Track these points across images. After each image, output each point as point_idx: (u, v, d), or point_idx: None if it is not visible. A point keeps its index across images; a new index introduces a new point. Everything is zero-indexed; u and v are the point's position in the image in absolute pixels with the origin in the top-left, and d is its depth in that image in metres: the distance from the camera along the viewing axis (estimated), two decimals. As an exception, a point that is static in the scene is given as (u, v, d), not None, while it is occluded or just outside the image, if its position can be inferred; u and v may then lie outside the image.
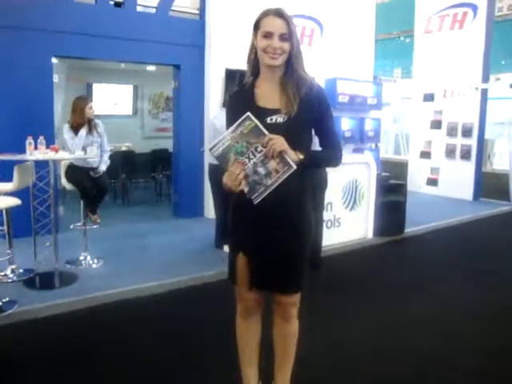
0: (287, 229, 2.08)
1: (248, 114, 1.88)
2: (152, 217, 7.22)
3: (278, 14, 1.99)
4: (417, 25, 10.37)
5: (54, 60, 8.13)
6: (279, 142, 1.88)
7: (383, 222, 6.06)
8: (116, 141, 8.92)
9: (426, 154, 10.20)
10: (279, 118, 2.01)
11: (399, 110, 14.42)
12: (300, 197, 2.11)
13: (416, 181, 10.18)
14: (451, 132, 9.56)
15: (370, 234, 6.06)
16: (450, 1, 9.52)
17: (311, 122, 2.07)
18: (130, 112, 10.75)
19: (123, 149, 8.80)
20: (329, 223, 5.58)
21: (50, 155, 4.06)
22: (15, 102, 5.61)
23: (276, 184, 1.90)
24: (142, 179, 9.02)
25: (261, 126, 1.88)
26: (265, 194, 1.91)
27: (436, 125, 9.88)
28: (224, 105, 5.11)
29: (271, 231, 2.07)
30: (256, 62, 2.09)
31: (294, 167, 1.89)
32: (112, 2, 6.44)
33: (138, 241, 5.79)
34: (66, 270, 4.62)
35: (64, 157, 4.31)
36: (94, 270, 4.78)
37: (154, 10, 6.65)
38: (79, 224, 4.94)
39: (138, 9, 6.59)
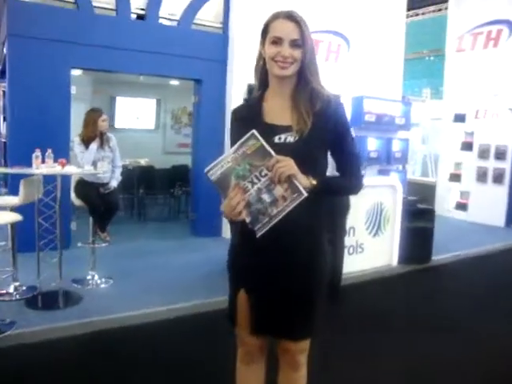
0: (297, 263, 1.79)
1: (253, 131, 1.62)
2: (168, 234, 7.01)
3: (289, 16, 1.74)
4: (448, 43, 10.04)
5: (79, 72, 8.13)
6: (288, 165, 1.61)
7: (409, 249, 5.71)
8: (136, 155, 8.82)
9: (455, 177, 9.78)
10: (289, 137, 1.75)
11: (428, 130, 14.03)
12: (313, 226, 1.82)
13: (444, 204, 9.76)
14: (483, 154, 9.14)
15: (394, 262, 5.71)
16: (484, 18, 9.17)
17: (327, 142, 1.79)
18: (152, 126, 10.63)
19: (142, 163, 8.62)
20: (351, 249, 5.26)
21: (55, 169, 3.88)
22: (31, 113, 5.50)
23: (283, 214, 1.62)
24: (161, 195, 8.81)
25: (267, 146, 1.61)
26: (270, 226, 1.63)
27: (467, 146, 9.48)
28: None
29: (278, 265, 1.79)
30: (264, 73, 1.84)
31: (305, 194, 1.61)
32: (134, 15, 6.32)
33: (151, 260, 5.57)
34: (71, 289, 4.42)
35: (71, 171, 4.11)
36: (101, 290, 4.56)
37: (176, 23, 6.51)
38: (88, 241, 4.73)
39: (161, 22, 6.46)
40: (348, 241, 5.07)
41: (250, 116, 1.83)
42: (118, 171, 4.87)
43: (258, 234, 1.65)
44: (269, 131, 1.73)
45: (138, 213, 8.18)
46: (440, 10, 15.35)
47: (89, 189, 4.62)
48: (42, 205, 4.20)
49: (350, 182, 1.86)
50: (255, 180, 1.63)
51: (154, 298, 4.29)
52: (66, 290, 4.29)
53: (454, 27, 9.92)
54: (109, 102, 9.87)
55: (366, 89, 7.60)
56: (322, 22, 6.97)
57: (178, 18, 6.46)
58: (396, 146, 8.08)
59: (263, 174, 1.62)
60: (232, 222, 1.72)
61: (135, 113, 10.32)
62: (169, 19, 6.50)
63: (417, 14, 17.23)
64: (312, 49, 1.78)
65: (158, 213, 8.62)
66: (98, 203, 4.61)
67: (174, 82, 9.63)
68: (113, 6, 6.05)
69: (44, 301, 4.13)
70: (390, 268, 5.67)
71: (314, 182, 1.68)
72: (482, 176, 9.17)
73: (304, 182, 1.64)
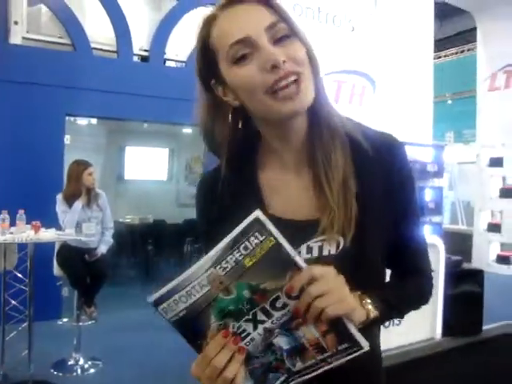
0: None
1: (257, 214, 0.76)
2: (175, 300, 6.20)
3: None
4: (479, 83, 9.36)
5: (94, 121, 7.65)
6: (335, 294, 0.78)
7: (455, 319, 4.80)
8: (147, 208, 8.21)
9: (494, 227, 8.87)
10: (327, 245, 0.91)
11: (455, 175, 13.36)
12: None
13: (483, 258, 8.82)
14: (527, 202, 8.28)
15: (438, 335, 4.79)
16: (519, 53, 8.52)
17: (387, 225, 0.96)
18: (164, 177, 10.03)
19: (149, 220, 7.96)
20: (386, 322, 4.40)
21: (22, 236, 3.17)
22: (20, 165, 4.90)
23: (316, 372, 0.81)
24: (171, 254, 8.02)
25: (288, 247, 0.77)
26: None
27: (507, 193, 8.61)
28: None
29: None
30: (239, 131, 1.00)
31: (365, 348, 0.80)
32: (139, 57, 5.82)
33: (152, 335, 4.69)
34: (48, 377, 3.62)
35: (45, 237, 3.37)
36: (86, 378, 3.78)
37: (183, 65, 5.97)
38: (72, 317, 4.00)
39: (166, 63, 5.94)
40: (383, 312, 4.23)
41: (236, 201, 0.96)
42: (109, 234, 4.15)
43: None
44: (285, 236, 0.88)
45: (144, 274, 7.42)
46: (463, 51, 14.86)
47: (72, 256, 3.88)
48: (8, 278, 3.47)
49: (419, 288, 1.05)
50: (262, 317, 0.79)
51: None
52: (39, 379, 3.48)
53: (484, 66, 9.26)
54: (118, 152, 9.36)
55: (393, 133, 6.89)
56: (345, 62, 6.34)
57: (185, 59, 5.91)
58: (429, 196, 7.30)
59: (279, 305, 0.78)
60: None
61: (146, 163, 9.76)
62: (175, 60, 5.96)
63: (439, 57, 16.79)
64: (310, 43, 0.93)
65: (167, 274, 7.81)
66: (82, 274, 3.89)
67: (187, 130, 9.09)
68: (113, 48, 5.54)
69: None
70: (434, 343, 4.75)
71: (375, 313, 0.87)
72: (526, 226, 8.28)
73: (359, 316, 0.84)
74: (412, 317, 3.73)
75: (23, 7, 5.25)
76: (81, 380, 3.73)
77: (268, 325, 0.78)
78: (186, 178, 10.37)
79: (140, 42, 5.70)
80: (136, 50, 5.65)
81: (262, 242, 0.75)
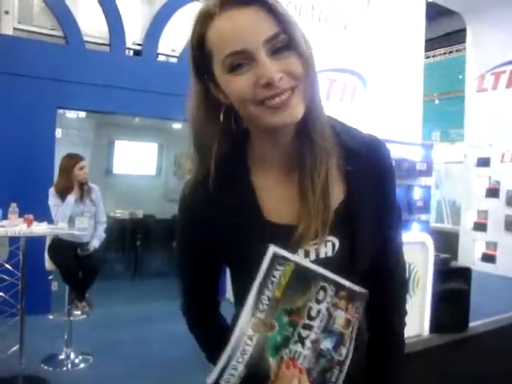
0: None
1: (272, 248, 0.82)
2: (165, 296, 6.12)
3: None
4: (468, 84, 9.46)
5: (82, 115, 7.59)
6: None
7: (442, 316, 4.87)
8: (136, 203, 8.16)
9: (480, 226, 8.99)
10: (324, 248, 0.93)
11: (441, 174, 13.49)
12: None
13: (469, 256, 8.93)
14: (511, 201, 8.38)
15: (426, 331, 4.85)
16: (506, 57, 8.60)
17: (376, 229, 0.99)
18: (153, 172, 9.98)
19: (139, 216, 7.91)
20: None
21: (15, 229, 3.14)
22: (11, 158, 4.83)
23: (352, 345, 0.88)
24: (160, 249, 8.00)
25: (310, 265, 0.85)
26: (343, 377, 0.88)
27: (492, 193, 8.72)
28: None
29: None
30: (229, 126, 0.98)
31: (364, 291, 0.88)
32: (130, 51, 5.77)
33: (142, 329, 4.74)
34: (38, 372, 3.60)
35: (38, 230, 3.35)
36: (76, 372, 3.75)
37: (176, 60, 5.94)
38: (63, 312, 3.97)
39: (159, 58, 5.91)
40: (373, 309, 4.26)
41: (231, 210, 0.94)
42: (102, 228, 4.12)
43: None
44: (282, 242, 0.88)
45: (133, 269, 7.39)
46: (451, 52, 14.96)
47: (64, 250, 3.86)
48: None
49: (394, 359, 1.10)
50: (304, 332, 0.84)
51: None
52: (30, 374, 3.46)
53: (472, 67, 9.36)
54: (107, 146, 9.29)
55: (383, 132, 6.91)
56: (337, 60, 6.37)
57: (178, 53, 5.88)
58: (417, 194, 7.36)
59: (314, 314, 0.84)
60: None
61: (135, 157, 9.70)
62: (168, 55, 5.92)
63: (427, 57, 16.86)
64: (310, 52, 0.89)
65: (158, 268, 7.79)
66: (74, 268, 3.86)
67: (177, 125, 9.05)
68: (106, 41, 5.49)
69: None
70: (422, 339, 4.81)
71: None
72: (510, 225, 8.38)
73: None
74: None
75: (15, -3, 5.19)
76: (71, 375, 3.71)
77: (313, 336, 0.84)
78: (174, 174, 10.34)
79: (133, 35, 5.65)
80: (129, 43, 5.60)
81: (284, 270, 0.82)
